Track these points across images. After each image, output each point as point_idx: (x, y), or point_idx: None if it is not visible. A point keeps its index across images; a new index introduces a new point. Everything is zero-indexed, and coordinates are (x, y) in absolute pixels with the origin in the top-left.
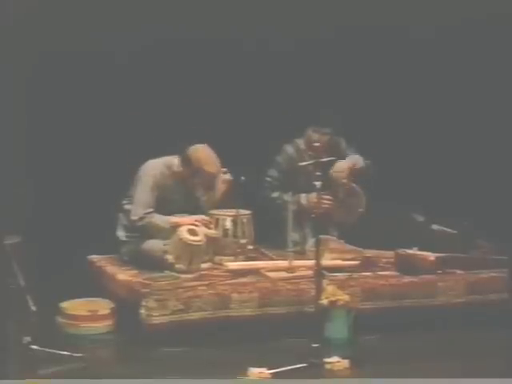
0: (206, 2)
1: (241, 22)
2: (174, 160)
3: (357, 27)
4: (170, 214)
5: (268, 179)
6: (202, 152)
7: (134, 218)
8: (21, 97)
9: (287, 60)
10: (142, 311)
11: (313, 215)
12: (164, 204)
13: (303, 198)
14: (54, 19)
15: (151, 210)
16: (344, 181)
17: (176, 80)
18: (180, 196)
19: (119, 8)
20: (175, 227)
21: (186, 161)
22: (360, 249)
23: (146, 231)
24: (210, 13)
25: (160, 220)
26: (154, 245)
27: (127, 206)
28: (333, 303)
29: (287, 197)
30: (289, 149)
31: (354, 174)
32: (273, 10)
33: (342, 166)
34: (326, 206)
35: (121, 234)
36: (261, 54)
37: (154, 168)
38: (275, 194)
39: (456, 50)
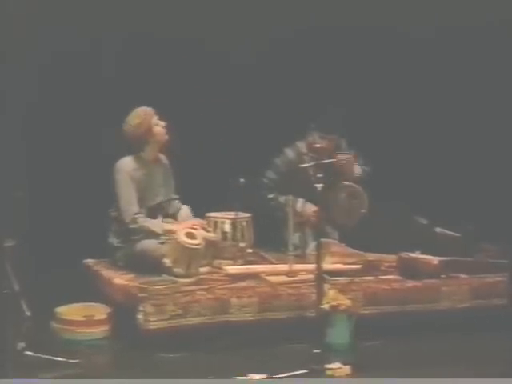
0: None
1: (243, 21)
2: (141, 152)
3: (359, 28)
4: (150, 208)
5: (265, 180)
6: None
7: (127, 220)
8: (19, 102)
9: (289, 60)
10: (139, 316)
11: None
12: (146, 199)
13: (300, 203)
14: (53, 19)
15: (138, 208)
16: (346, 183)
17: (176, 82)
18: (159, 187)
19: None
20: (169, 234)
21: (128, 137)
22: (362, 252)
23: (138, 234)
24: (211, 12)
25: (153, 225)
26: (148, 246)
27: (114, 213)
28: (334, 308)
29: (282, 199)
30: (289, 151)
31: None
32: (275, 10)
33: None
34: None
35: (112, 240)
36: (262, 54)
37: (125, 165)
38: (271, 195)
39: (458, 52)
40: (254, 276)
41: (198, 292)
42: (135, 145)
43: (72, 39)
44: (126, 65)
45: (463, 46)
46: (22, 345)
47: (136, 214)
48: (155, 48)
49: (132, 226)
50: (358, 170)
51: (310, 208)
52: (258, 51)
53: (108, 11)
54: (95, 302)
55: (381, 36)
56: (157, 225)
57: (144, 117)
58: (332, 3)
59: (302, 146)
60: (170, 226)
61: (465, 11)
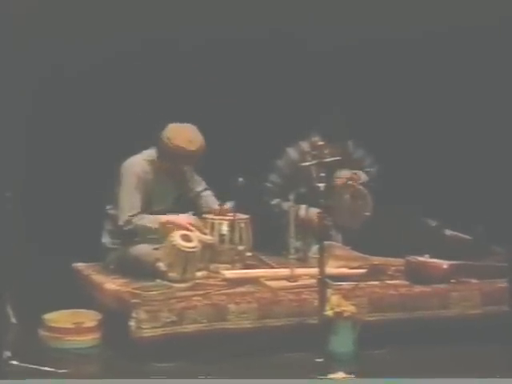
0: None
1: (244, 21)
2: (154, 152)
3: (363, 28)
4: (153, 213)
5: (268, 185)
6: (174, 131)
7: (119, 223)
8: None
9: (292, 60)
10: (132, 323)
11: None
12: (151, 204)
13: (303, 210)
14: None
15: (136, 211)
16: (349, 182)
17: (176, 81)
18: (168, 193)
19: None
20: (165, 226)
21: (161, 146)
22: (367, 256)
23: (134, 236)
24: (212, 11)
25: (148, 221)
26: (142, 250)
27: (112, 211)
28: (338, 314)
29: (286, 205)
30: (291, 151)
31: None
32: (278, 10)
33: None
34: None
35: (106, 240)
36: (264, 55)
37: (135, 165)
38: (274, 202)
39: (469, 53)
40: (253, 281)
41: (194, 298)
42: (172, 158)
43: (71, 41)
44: (125, 64)
45: (473, 47)
46: (7, 354)
47: (131, 215)
48: (157, 48)
49: (126, 228)
50: (364, 178)
51: (314, 213)
52: (259, 51)
53: (110, 15)
54: (85, 308)
55: (389, 37)
56: (152, 220)
57: (202, 146)
58: (339, 4)
59: (304, 144)
60: (165, 217)
61: (469, 11)
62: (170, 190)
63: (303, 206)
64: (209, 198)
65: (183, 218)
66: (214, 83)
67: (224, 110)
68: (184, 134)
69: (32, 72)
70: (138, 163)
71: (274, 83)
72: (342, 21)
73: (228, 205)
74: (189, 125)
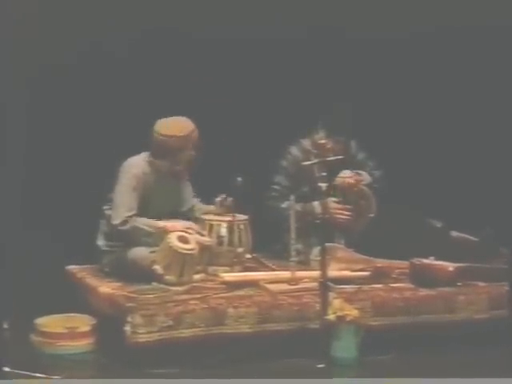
0: None
1: (245, 19)
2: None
3: (366, 27)
4: (158, 218)
5: (276, 187)
6: (162, 123)
7: (115, 222)
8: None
9: (297, 60)
10: (127, 328)
11: (328, 225)
12: (151, 207)
13: (316, 205)
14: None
15: (134, 212)
16: (352, 181)
17: (178, 80)
18: (168, 196)
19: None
20: (162, 232)
21: (153, 142)
22: (370, 258)
23: (128, 237)
24: (216, 9)
25: (145, 224)
26: (139, 253)
27: (108, 212)
28: (340, 319)
29: (298, 206)
30: (293, 150)
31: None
32: (278, 8)
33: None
34: (346, 217)
35: (102, 242)
36: (265, 54)
37: (135, 166)
38: (284, 205)
39: (477, 53)
40: (253, 284)
41: (192, 301)
42: (165, 152)
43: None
44: (124, 63)
45: (481, 48)
46: None
47: (128, 216)
48: (157, 48)
49: (120, 228)
50: (367, 178)
51: (332, 204)
52: (261, 50)
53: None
54: (79, 312)
55: (395, 36)
56: (149, 223)
57: (193, 132)
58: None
59: (306, 143)
60: (163, 223)
61: (471, 11)
62: (169, 194)
63: (315, 202)
64: (203, 207)
65: (181, 225)
66: (216, 82)
67: (224, 109)
68: (172, 124)
69: (30, 71)
70: (138, 164)
71: (276, 83)
72: (347, 20)
73: (229, 199)
74: (177, 116)
